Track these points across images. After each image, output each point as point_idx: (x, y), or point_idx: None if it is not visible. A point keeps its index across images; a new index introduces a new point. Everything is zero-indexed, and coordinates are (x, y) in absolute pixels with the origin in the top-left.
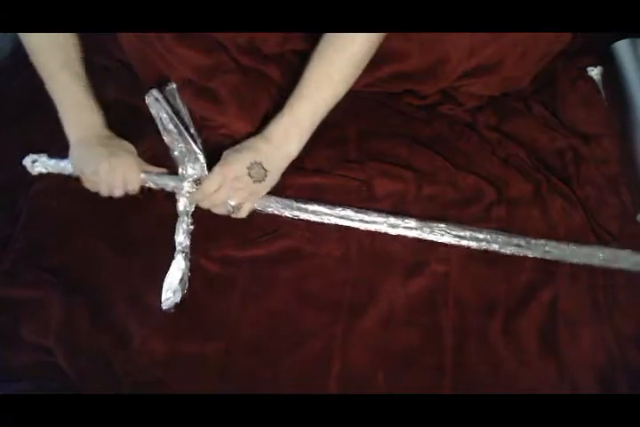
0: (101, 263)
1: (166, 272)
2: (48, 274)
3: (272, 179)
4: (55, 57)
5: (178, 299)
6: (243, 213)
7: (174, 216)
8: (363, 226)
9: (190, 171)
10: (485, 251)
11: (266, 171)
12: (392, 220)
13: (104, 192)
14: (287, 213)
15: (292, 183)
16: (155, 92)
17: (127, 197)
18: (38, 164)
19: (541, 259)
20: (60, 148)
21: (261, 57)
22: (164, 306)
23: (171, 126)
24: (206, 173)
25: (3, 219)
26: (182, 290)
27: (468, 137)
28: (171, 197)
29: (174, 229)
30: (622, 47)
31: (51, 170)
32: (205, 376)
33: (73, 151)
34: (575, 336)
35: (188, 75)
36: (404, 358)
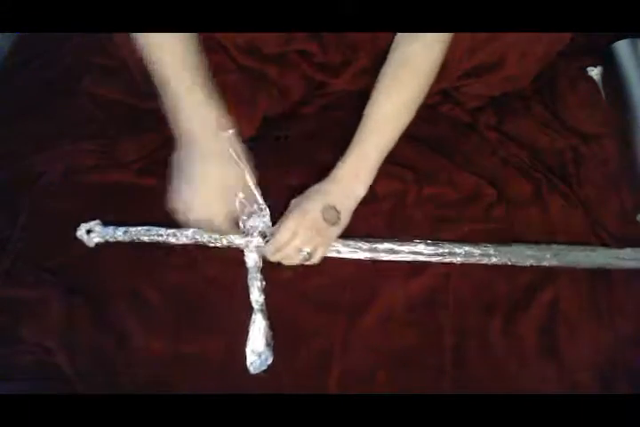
0: (101, 263)
1: (168, 271)
2: (48, 274)
3: (345, 220)
4: (176, 53)
5: (269, 361)
6: (317, 259)
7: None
8: (439, 259)
9: (255, 223)
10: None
11: (339, 213)
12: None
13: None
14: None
15: (293, 184)
16: None
17: (130, 196)
18: (94, 234)
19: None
20: (59, 146)
21: (261, 57)
22: (252, 370)
23: None
24: (270, 224)
25: (3, 219)
26: (270, 351)
27: (468, 137)
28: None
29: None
30: (622, 47)
31: (109, 239)
32: (206, 376)
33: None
34: (575, 336)
35: None
36: (404, 358)
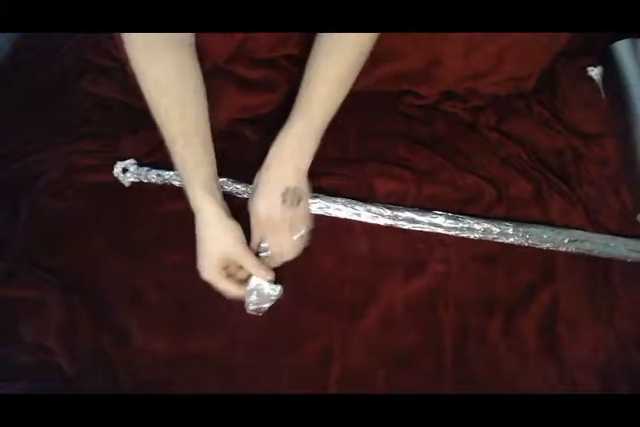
0: (101, 263)
1: (168, 271)
2: (48, 274)
3: (306, 189)
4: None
5: (267, 306)
6: (306, 233)
7: (176, 214)
8: (457, 233)
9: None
10: (485, 250)
11: (297, 190)
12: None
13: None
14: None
15: None
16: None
17: (130, 196)
18: (129, 174)
19: (541, 258)
20: (59, 146)
21: (250, 63)
22: (249, 311)
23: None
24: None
25: (3, 219)
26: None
27: (468, 137)
28: (175, 196)
29: (176, 227)
30: (622, 47)
31: (143, 180)
32: (206, 376)
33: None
34: (575, 336)
35: None
36: (404, 358)
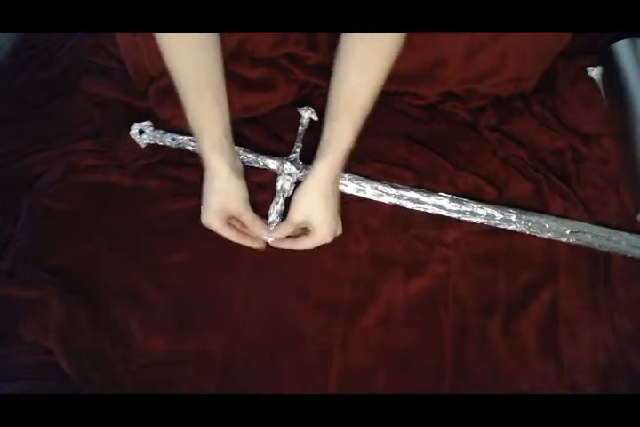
0: (101, 263)
1: (168, 271)
2: (48, 274)
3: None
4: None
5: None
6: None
7: (176, 214)
8: (459, 216)
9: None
10: (485, 250)
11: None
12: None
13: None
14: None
15: None
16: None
17: (130, 196)
18: (145, 136)
19: (541, 258)
20: (59, 146)
21: (251, 62)
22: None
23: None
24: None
25: (3, 219)
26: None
27: (468, 137)
28: (175, 196)
29: (176, 227)
30: (622, 47)
31: (158, 142)
32: (206, 375)
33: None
34: (575, 336)
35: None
36: (404, 357)
